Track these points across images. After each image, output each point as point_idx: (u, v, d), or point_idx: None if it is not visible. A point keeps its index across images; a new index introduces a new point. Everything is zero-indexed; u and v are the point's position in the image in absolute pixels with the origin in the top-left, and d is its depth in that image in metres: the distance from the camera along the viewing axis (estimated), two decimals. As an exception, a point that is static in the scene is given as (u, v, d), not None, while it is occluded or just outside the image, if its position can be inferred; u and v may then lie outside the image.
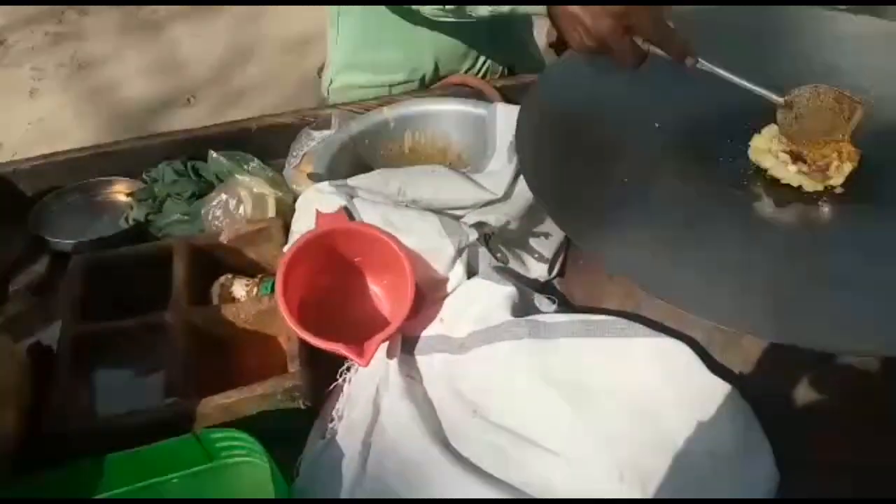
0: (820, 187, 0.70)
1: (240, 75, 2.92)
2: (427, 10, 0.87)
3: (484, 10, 0.81)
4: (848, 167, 0.71)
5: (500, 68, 1.16)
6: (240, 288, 0.80)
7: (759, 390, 0.65)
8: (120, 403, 0.68)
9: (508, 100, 1.00)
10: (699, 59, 0.71)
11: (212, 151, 0.93)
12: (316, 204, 0.74)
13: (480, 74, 1.12)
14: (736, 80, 0.71)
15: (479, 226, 0.74)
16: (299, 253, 0.70)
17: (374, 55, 1.10)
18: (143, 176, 0.99)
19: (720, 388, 0.62)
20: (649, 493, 0.58)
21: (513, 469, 0.62)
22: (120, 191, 1.00)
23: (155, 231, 0.92)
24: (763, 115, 0.75)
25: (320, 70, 1.22)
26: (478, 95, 1.00)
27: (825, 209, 0.69)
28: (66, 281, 0.77)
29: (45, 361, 0.70)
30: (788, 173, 0.70)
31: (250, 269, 0.83)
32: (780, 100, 0.72)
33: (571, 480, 0.61)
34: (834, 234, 0.68)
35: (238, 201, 0.87)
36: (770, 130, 0.75)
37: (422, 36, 1.06)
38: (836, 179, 0.70)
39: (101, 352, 0.73)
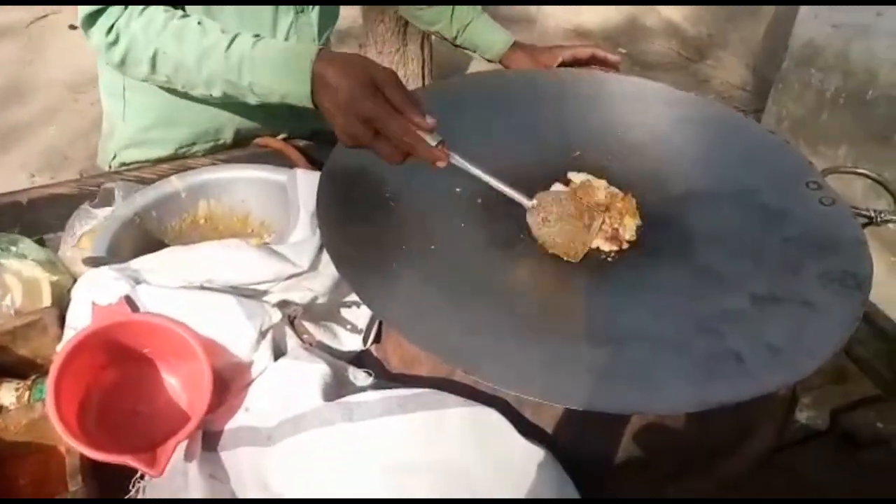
0: (616, 248, 0.74)
1: (17, 120, 2.65)
2: (196, 93, 0.85)
3: (253, 99, 0.81)
4: (632, 223, 0.76)
5: (305, 132, 1.13)
6: (8, 393, 0.70)
7: (570, 446, 0.67)
8: None
9: (312, 161, 0.97)
10: (453, 155, 0.71)
11: (-32, 237, 0.81)
12: (93, 294, 0.66)
13: (282, 138, 1.09)
14: (487, 178, 0.72)
15: (282, 305, 0.70)
16: (75, 352, 0.62)
17: (167, 133, 1.04)
18: None
19: (533, 453, 0.63)
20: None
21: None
22: None
23: None
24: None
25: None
26: (280, 159, 0.96)
27: (618, 266, 0.73)
28: None
29: None
30: (577, 245, 0.73)
31: (21, 370, 0.73)
32: (529, 203, 0.74)
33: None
34: (626, 291, 0.71)
35: (4, 290, 0.77)
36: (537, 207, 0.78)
37: (220, 109, 1.02)
38: (629, 236, 0.75)
39: None
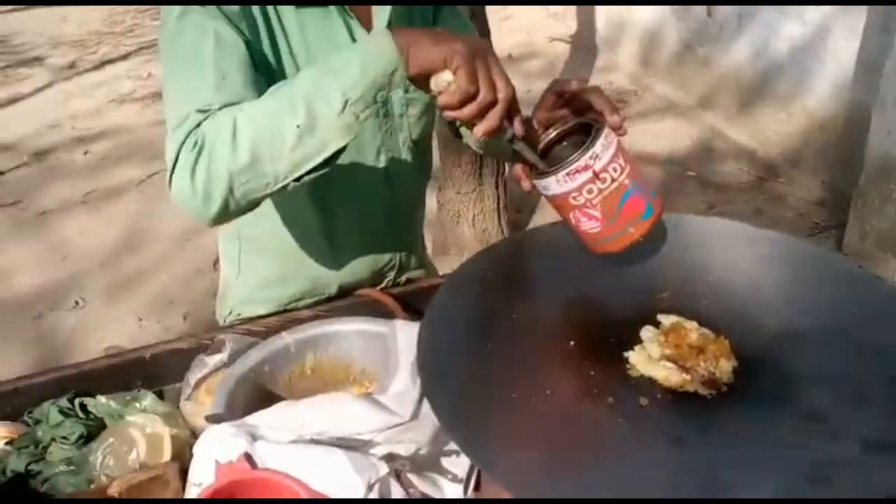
0: (714, 392, 0.74)
1: (130, 269, 2.87)
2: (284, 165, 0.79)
3: (341, 123, 0.78)
4: (727, 365, 0.77)
5: (402, 281, 1.19)
6: (133, 548, 0.74)
7: None
8: None
9: (409, 308, 1.03)
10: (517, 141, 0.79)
11: (99, 396, 0.88)
12: (215, 451, 0.71)
13: (380, 288, 1.15)
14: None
15: (389, 458, 0.73)
16: (200, 509, 0.66)
17: (278, 291, 1.12)
18: (25, 417, 0.93)
19: None
20: None
21: None
22: (-1, 436, 0.93)
23: (37, 485, 0.84)
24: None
25: (215, 263, 1.22)
26: (378, 307, 1.02)
27: (716, 413, 0.73)
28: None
29: None
30: (684, 381, 0.74)
31: (145, 523, 0.78)
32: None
33: None
34: (730, 441, 0.70)
35: (130, 445, 0.83)
36: (645, 340, 0.80)
37: (328, 267, 1.10)
38: (726, 379, 0.76)
39: None
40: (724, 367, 0.77)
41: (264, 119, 0.78)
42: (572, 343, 0.82)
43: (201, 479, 0.72)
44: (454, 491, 0.79)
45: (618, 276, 0.91)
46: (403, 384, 0.82)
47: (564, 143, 0.86)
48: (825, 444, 0.68)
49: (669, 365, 0.76)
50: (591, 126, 0.81)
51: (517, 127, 0.81)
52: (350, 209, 1.07)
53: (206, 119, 0.80)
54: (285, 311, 1.08)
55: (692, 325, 0.82)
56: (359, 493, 0.70)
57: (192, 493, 0.72)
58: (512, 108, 0.79)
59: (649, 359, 0.78)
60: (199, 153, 0.78)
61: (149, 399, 0.90)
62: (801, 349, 0.79)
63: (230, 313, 1.14)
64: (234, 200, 0.80)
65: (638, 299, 0.88)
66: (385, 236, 1.14)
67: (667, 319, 0.84)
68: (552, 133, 0.86)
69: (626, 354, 0.79)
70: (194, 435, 0.86)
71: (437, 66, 0.76)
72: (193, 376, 0.93)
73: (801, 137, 3.34)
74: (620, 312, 0.85)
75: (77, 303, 2.67)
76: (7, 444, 0.90)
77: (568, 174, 0.77)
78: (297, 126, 0.77)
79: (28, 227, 3.20)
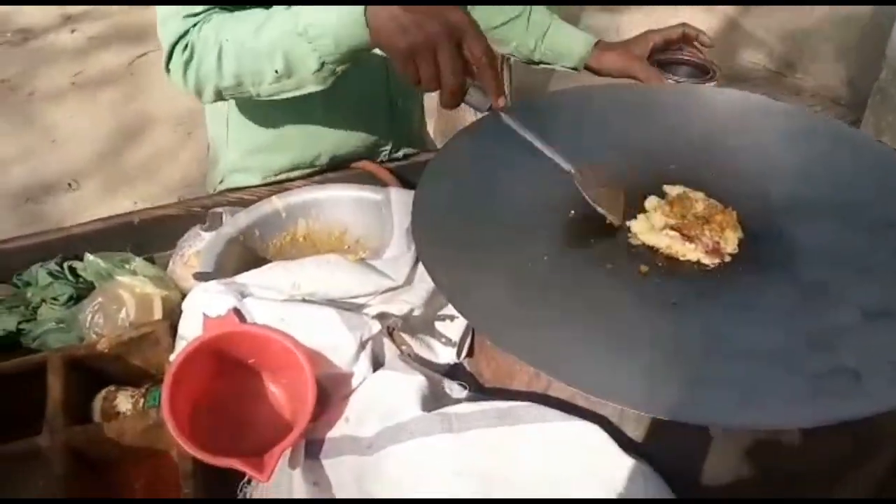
0: (717, 261, 0.72)
1: (125, 156, 2.81)
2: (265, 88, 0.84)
3: (314, 60, 0.79)
4: (733, 236, 0.74)
5: (399, 156, 1.16)
6: (125, 401, 0.74)
7: (671, 463, 0.65)
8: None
9: (404, 182, 0.99)
10: (505, 115, 0.74)
11: (87, 254, 0.86)
12: (203, 306, 0.70)
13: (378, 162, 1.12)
14: (533, 139, 0.75)
15: (381, 317, 0.72)
16: (187, 361, 0.65)
17: (269, 159, 1.08)
18: (14, 280, 0.92)
19: (636, 468, 0.61)
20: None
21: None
22: (-14, 298, 0.92)
23: (28, 342, 0.84)
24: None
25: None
26: (373, 180, 0.99)
27: (718, 279, 0.71)
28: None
29: None
30: (688, 250, 0.72)
31: (135, 379, 0.77)
32: (571, 168, 0.76)
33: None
34: (729, 305, 0.69)
35: (119, 305, 0.81)
36: (648, 209, 0.78)
37: (321, 136, 1.05)
38: (730, 249, 0.73)
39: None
40: (730, 238, 0.74)
41: (245, 58, 0.82)
42: (572, 213, 0.79)
43: (188, 333, 0.70)
44: (447, 354, 0.78)
45: (624, 147, 0.88)
46: (398, 250, 0.80)
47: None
48: (826, 311, 0.66)
49: (672, 234, 0.74)
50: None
51: (499, 102, 0.77)
52: (349, 76, 1.01)
53: (194, 27, 0.83)
54: (277, 181, 1.04)
55: (699, 195, 0.79)
56: (351, 350, 0.69)
57: (178, 346, 0.72)
58: (489, 81, 0.75)
59: (652, 228, 0.76)
60: (190, 60, 0.84)
61: (138, 261, 0.89)
62: (811, 222, 0.77)
63: (221, 182, 1.10)
64: (226, 96, 0.88)
65: (644, 170, 0.84)
66: (383, 107, 1.09)
67: (673, 190, 0.81)
68: None
69: (628, 223, 0.77)
70: (185, 298, 0.84)
71: (399, 56, 0.73)
72: (189, 247, 0.90)
73: (820, 33, 3.20)
74: (627, 182, 0.81)
75: (70, 185, 2.63)
76: (-4, 302, 0.90)
77: None
78: (276, 71, 0.81)
79: (15, 108, 3.10)
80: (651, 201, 0.79)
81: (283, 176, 1.06)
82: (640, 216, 0.77)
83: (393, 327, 0.71)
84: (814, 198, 0.80)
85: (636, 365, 0.61)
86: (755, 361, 0.61)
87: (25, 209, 2.53)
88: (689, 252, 0.73)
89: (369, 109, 1.06)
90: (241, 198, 1.00)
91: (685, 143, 0.88)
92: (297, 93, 0.84)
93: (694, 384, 0.58)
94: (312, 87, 0.83)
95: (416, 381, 0.69)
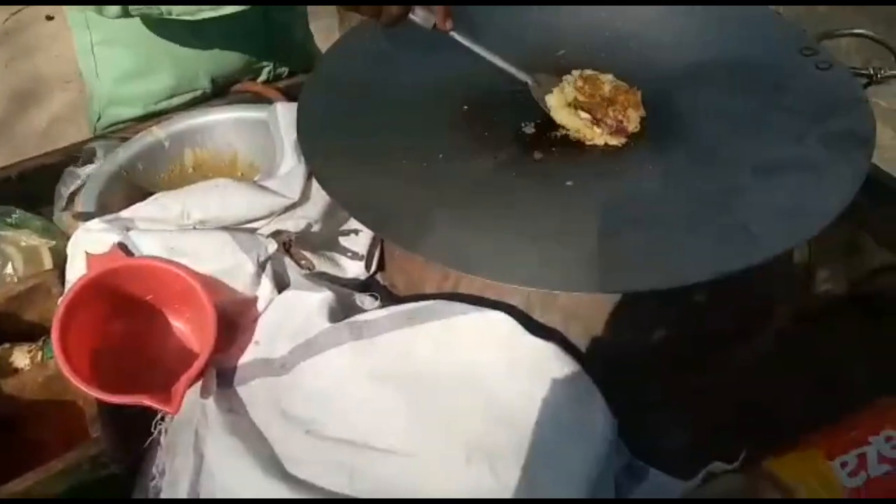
0: (623, 140, 0.72)
1: (17, 125, 2.63)
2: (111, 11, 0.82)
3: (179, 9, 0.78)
4: (636, 115, 0.74)
5: (284, 73, 1.11)
6: (21, 356, 0.70)
7: (584, 338, 0.66)
8: None
9: (293, 100, 0.95)
10: (453, 33, 0.71)
11: (-38, 213, 0.80)
12: (85, 245, 0.66)
13: (262, 81, 1.06)
14: (489, 56, 0.72)
15: (276, 234, 0.69)
16: (76, 300, 0.62)
17: (143, 86, 1.01)
18: None
19: (546, 350, 0.62)
20: (498, 471, 0.57)
21: (357, 481, 0.58)
22: None
23: None
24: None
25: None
26: (261, 100, 0.94)
27: (622, 158, 0.72)
28: None
29: None
30: (595, 133, 0.72)
31: (32, 334, 0.73)
32: (528, 79, 0.73)
33: (418, 475, 0.58)
34: (630, 180, 0.69)
35: (4, 260, 0.76)
36: (562, 86, 0.76)
37: (194, 56, 0.99)
38: (633, 128, 0.73)
39: None
40: (632, 117, 0.74)
41: None
42: (465, 108, 0.77)
43: (75, 275, 0.67)
44: (355, 268, 0.77)
45: (511, 39, 0.85)
46: (290, 165, 0.77)
47: None
48: (722, 174, 0.67)
49: (585, 115, 0.73)
50: None
51: (447, 24, 0.73)
52: None
53: None
54: (156, 113, 0.98)
55: (607, 77, 0.78)
56: (249, 273, 0.67)
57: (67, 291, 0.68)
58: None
59: (566, 105, 0.74)
60: None
61: (20, 213, 0.83)
62: (703, 90, 0.77)
63: (99, 119, 1.04)
64: (132, 11, 0.82)
65: (536, 58, 0.82)
66: (257, 20, 1.03)
67: (584, 73, 0.79)
68: None
69: (546, 98, 0.75)
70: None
71: None
72: (65, 189, 0.85)
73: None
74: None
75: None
76: None
77: None
78: None
79: None
80: (569, 77, 0.78)
81: (164, 104, 1.00)
82: (555, 90, 0.76)
83: (289, 243, 0.69)
84: (703, 66, 0.80)
85: (539, 247, 0.60)
86: (656, 228, 0.62)
87: None
88: (597, 136, 0.73)
89: (241, 23, 1.00)
90: (123, 136, 0.94)
91: (571, 29, 0.86)
92: (216, 13, 0.81)
93: (597, 257, 0.59)
94: (231, 7, 0.80)
95: (323, 298, 0.68)
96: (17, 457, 0.62)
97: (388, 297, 0.75)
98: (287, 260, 0.70)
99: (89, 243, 0.66)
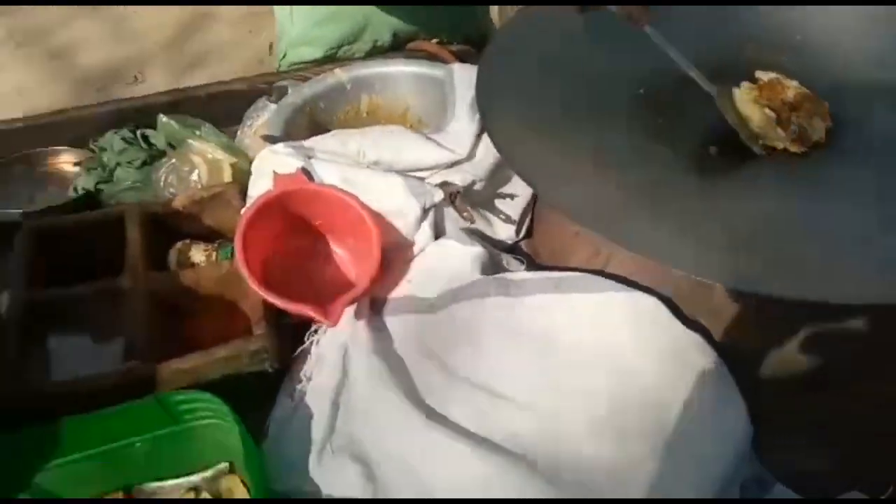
0: (804, 150, 0.71)
1: (191, 49, 2.82)
2: None
3: None
4: (821, 124, 0.72)
5: (458, 39, 1.14)
6: (198, 253, 0.77)
7: (727, 343, 0.66)
8: (75, 370, 0.65)
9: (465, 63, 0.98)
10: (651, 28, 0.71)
11: (161, 115, 0.89)
12: (272, 165, 0.72)
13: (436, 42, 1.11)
14: (677, 57, 0.71)
15: (444, 185, 0.73)
16: (258, 214, 0.68)
17: (329, 32, 1.08)
18: (91, 145, 0.95)
19: (693, 341, 0.62)
20: (626, 450, 0.58)
21: (487, 425, 0.61)
22: (66, 161, 0.96)
23: (106, 199, 0.88)
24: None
25: (272, 45, 1.20)
26: (434, 59, 0.98)
27: (802, 166, 0.70)
28: (16, 248, 0.73)
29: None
30: (777, 135, 0.71)
31: (208, 236, 0.81)
32: (713, 90, 0.72)
33: (543, 435, 0.60)
34: (807, 188, 0.68)
35: (191, 167, 0.84)
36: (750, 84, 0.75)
37: (384, 11, 1.04)
38: (817, 137, 0.72)
39: (55, 320, 0.69)
40: (818, 126, 0.72)
41: None
42: (642, 90, 0.78)
43: (259, 191, 0.73)
44: (506, 231, 0.80)
45: (698, 29, 0.84)
46: (461, 125, 0.81)
47: None
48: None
49: (770, 112, 0.72)
50: None
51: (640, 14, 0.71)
52: None
53: None
54: (333, 57, 1.05)
55: (792, 82, 0.76)
56: (414, 216, 0.71)
57: (251, 204, 0.74)
58: None
59: (754, 101, 0.73)
60: None
61: (208, 127, 0.91)
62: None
63: (283, 57, 1.12)
64: None
65: (718, 55, 0.81)
66: None
67: (765, 75, 0.78)
68: None
69: (734, 90, 0.74)
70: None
71: None
72: (256, 116, 0.92)
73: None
74: (714, 68, 0.78)
75: (136, 78, 2.67)
76: (76, 164, 0.94)
77: None
78: None
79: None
80: (744, 85, 0.77)
81: (344, 50, 1.07)
82: (744, 83, 0.75)
83: (455, 195, 0.72)
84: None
85: (705, 239, 0.59)
86: (827, 240, 0.60)
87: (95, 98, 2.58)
88: (779, 138, 0.71)
89: None
90: (304, 76, 1.01)
91: (766, 27, 0.84)
92: None
93: (763, 258, 0.58)
94: None
95: (476, 251, 0.71)
96: (188, 343, 0.69)
97: (532, 264, 0.78)
98: (447, 211, 0.73)
99: (276, 164, 0.72)
